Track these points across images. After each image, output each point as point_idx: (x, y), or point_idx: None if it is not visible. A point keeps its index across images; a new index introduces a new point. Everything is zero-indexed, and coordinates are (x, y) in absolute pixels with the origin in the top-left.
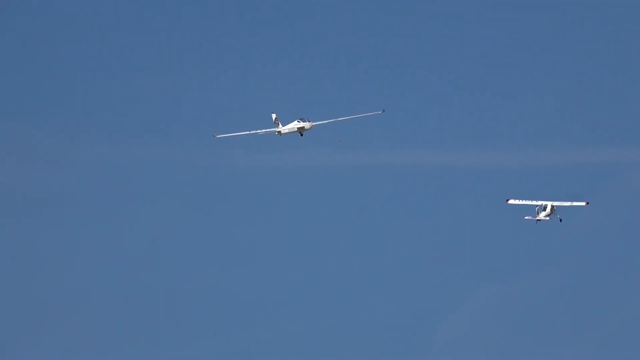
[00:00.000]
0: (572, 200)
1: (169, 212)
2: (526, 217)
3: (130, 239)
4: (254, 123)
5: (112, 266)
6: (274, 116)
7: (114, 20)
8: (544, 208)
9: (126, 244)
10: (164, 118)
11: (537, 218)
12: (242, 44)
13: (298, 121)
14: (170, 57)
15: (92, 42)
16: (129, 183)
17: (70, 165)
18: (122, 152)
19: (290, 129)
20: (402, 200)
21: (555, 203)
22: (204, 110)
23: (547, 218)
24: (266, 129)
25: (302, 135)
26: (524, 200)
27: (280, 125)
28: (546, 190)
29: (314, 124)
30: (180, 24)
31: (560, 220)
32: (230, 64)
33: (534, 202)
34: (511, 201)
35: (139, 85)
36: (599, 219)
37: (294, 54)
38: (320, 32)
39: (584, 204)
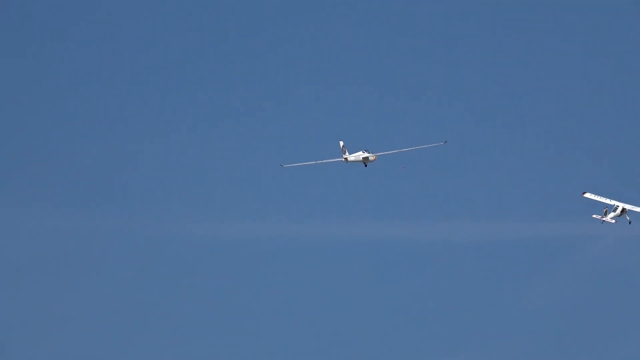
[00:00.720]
0: None
1: (122, 283)
2: (594, 216)
3: (81, 310)
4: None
5: (65, 337)
6: (341, 143)
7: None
8: (614, 209)
9: (77, 316)
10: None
11: (603, 219)
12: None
13: (363, 152)
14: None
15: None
16: (83, 253)
17: (22, 235)
18: (78, 222)
19: (356, 157)
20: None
21: (628, 206)
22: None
23: (613, 221)
24: (333, 158)
25: (366, 165)
26: (599, 197)
27: (347, 153)
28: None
29: (377, 155)
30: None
31: (630, 222)
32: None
33: (609, 201)
34: (587, 195)
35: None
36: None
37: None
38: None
39: None
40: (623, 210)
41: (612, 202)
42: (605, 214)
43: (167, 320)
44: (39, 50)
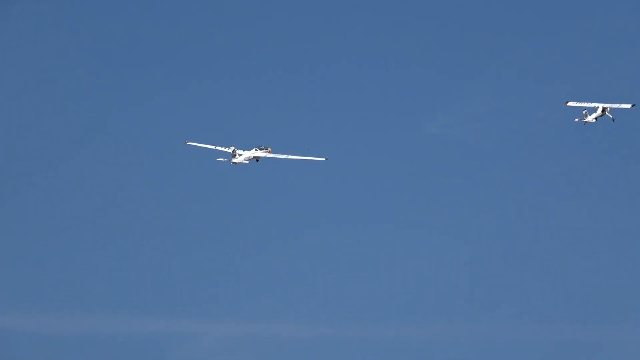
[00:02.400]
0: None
1: None
2: (576, 120)
3: None
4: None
5: None
6: (232, 148)
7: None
8: (595, 110)
9: None
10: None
11: (585, 120)
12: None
13: (256, 149)
14: None
15: None
16: None
17: None
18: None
19: (247, 157)
20: None
21: (607, 105)
22: None
23: (594, 120)
24: (226, 157)
25: (257, 161)
26: (582, 103)
27: (238, 157)
28: None
29: (270, 151)
30: None
31: (613, 119)
32: None
33: (590, 104)
34: (570, 103)
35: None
36: None
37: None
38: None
39: (629, 106)
40: (604, 110)
41: (593, 105)
42: (586, 116)
43: None
44: None
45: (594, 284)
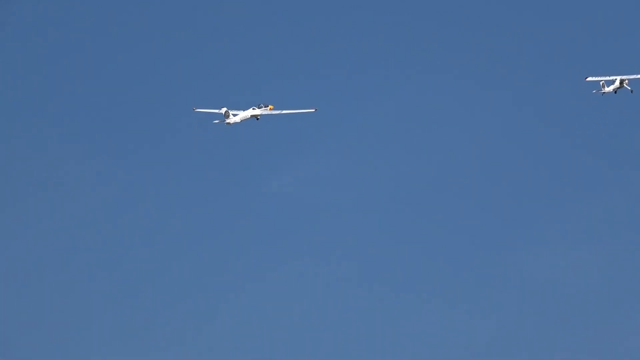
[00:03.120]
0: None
1: None
2: (594, 91)
3: None
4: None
5: None
6: (224, 110)
7: None
8: (613, 82)
9: None
10: None
11: (603, 91)
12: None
13: (254, 108)
14: None
15: None
16: None
17: None
18: None
19: (244, 116)
20: None
21: (625, 77)
22: None
23: (613, 92)
24: (219, 118)
25: (257, 119)
26: (601, 77)
27: (232, 116)
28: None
29: (272, 108)
30: None
31: (632, 91)
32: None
33: (609, 78)
34: (590, 78)
35: None
36: None
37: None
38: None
39: None
40: (622, 82)
41: (611, 78)
42: (604, 87)
43: None
44: None
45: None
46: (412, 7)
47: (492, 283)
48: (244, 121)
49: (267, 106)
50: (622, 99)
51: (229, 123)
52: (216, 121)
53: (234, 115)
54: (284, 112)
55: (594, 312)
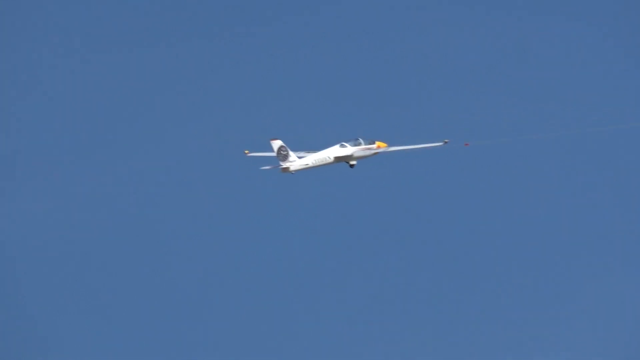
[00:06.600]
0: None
1: None
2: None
3: None
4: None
5: None
6: (277, 144)
7: None
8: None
9: None
10: None
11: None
12: None
13: (343, 144)
14: None
15: None
16: None
17: None
18: None
19: (320, 159)
20: None
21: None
22: None
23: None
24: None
25: (352, 166)
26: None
27: (293, 156)
28: None
29: (377, 147)
30: None
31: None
32: None
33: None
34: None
35: None
36: None
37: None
38: None
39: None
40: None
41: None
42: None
43: None
44: None
45: None
46: None
47: None
48: (318, 167)
49: (372, 142)
50: None
51: (286, 170)
52: (266, 167)
53: (300, 157)
54: (405, 148)
55: None
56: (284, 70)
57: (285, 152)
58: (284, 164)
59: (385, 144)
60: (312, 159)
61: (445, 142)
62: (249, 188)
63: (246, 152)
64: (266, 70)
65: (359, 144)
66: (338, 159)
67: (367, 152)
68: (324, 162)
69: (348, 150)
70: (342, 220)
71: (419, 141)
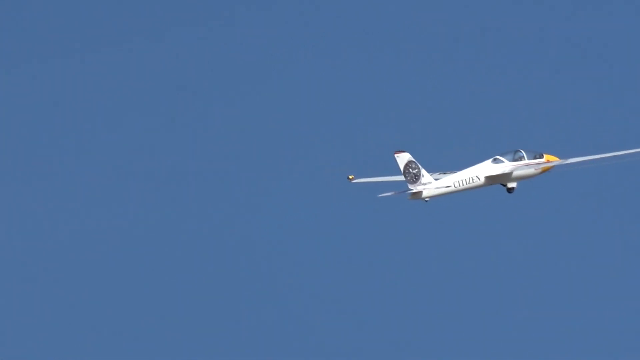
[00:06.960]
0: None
1: None
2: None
3: None
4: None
5: None
6: (404, 158)
7: None
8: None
9: None
10: None
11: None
12: None
13: (496, 159)
14: None
15: None
16: None
17: None
18: None
19: (465, 180)
20: None
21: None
22: None
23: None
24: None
25: (510, 191)
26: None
27: (426, 176)
28: None
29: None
30: None
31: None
32: None
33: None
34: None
35: None
36: None
37: None
38: None
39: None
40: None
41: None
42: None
43: None
44: None
45: None
46: None
47: None
48: (463, 192)
49: (539, 155)
50: None
51: (417, 195)
52: (387, 194)
53: (436, 179)
54: (594, 157)
55: None
56: (388, 72)
57: (416, 171)
58: (415, 188)
59: (556, 158)
60: (453, 179)
61: None
62: (364, 224)
63: (351, 177)
64: (368, 73)
65: (521, 158)
66: (490, 180)
67: (532, 171)
68: (471, 185)
69: (505, 166)
70: (499, 269)
71: (607, 148)
